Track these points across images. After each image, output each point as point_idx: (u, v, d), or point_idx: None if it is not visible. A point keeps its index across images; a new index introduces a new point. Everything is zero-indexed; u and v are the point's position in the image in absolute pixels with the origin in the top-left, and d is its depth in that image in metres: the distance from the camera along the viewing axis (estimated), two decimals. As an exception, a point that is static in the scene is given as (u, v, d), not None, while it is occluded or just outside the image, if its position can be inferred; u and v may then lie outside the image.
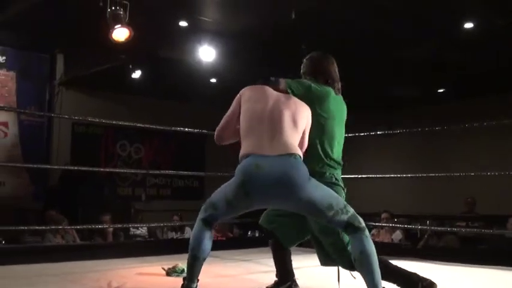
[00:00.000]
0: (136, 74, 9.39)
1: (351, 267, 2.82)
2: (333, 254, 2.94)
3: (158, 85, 10.20)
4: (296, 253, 5.06)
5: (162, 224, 8.40)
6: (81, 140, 10.54)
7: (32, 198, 8.90)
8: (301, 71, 3.27)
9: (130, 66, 9.09)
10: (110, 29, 6.12)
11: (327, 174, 2.99)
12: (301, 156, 2.69)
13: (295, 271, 3.26)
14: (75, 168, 7.00)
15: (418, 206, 10.50)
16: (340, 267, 3.02)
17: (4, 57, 8.81)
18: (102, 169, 9.76)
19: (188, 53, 7.75)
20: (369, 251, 2.58)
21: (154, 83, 10.02)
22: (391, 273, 2.89)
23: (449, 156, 10.45)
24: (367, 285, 2.59)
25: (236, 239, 7.72)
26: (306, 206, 2.62)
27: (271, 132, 2.69)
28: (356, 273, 2.77)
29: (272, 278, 3.29)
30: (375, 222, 7.35)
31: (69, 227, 6.74)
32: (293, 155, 2.62)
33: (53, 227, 6.45)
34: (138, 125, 5.97)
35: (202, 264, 2.73)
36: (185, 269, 3.76)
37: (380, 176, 8.38)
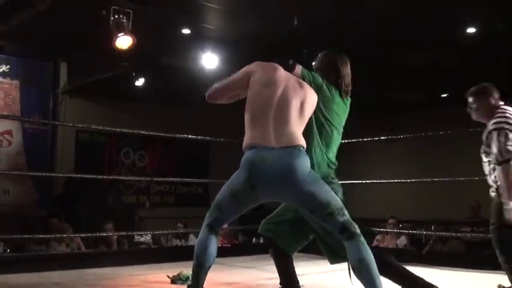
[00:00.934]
0: (140, 82, 9.43)
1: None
2: (341, 251, 2.92)
3: (161, 92, 10.23)
4: (301, 259, 5.07)
5: (166, 232, 8.40)
6: (85, 148, 10.58)
7: (36, 206, 8.90)
8: (314, 65, 3.24)
9: (134, 73, 9.12)
10: (113, 37, 6.15)
11: (325, 172, 2.98)
12: (305, 146, 2.66)
13: (300, 278, 3.25)
14: (79, 176, 7.02)
15: (423, 210, 10.47)
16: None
17: (8, 66, 8.84)
18: (105, 177, 9.77)
19: (191, 60, 7.77)
20: (368, 260, 2.53)
21: (157, 91, 10.05)
22: (399, 276, 2.88)
23: (453, 161, 10.42)
24: None
25: (241, 245, 7.71)
26: (306, 200, 2.59)
27: (277, 123, 2.66)
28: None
29: (277, 285, 3.28)
30: (379, 228, 7.35)
31: (74, 235, 6.76)
32: (297, 146, 2.60)
33: (58, 235, 6.46)
34: (142, 132, 5.99)
35: (207, 272, 2.71)
36: (190, 277, 3.78)
37: (384, 181, 8.37)
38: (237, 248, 6.72)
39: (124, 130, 5.74)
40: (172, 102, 10.86)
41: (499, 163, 3.23)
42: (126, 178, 11.26)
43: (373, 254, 2.59)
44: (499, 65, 8.07)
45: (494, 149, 3.28)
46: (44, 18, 6.53)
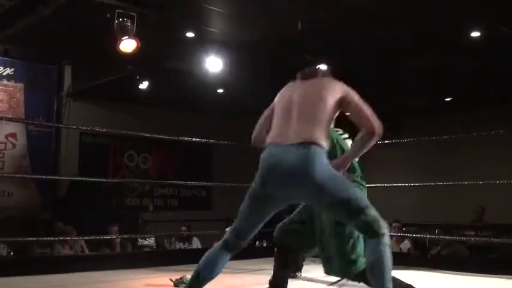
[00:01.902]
0: (144, 85, 9.46)
1: (343, 274, 2.81)
2: (335, 265, 2.93)
3: (165, 95, 10.25)
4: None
5: (169, 234, 8.41)
6: (89, 150, 10.59)
7: (39, 209, 8.93)
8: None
9: (138, 77, 9.15)
10: (117, 40, 6.18)
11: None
12: (321, 143, 2.53)
13: (308, 282, 3.23)
14: (83, 179, 7.03)
15: (427, 214, 10.45)
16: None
17: (12, 69, 8.87)
18: (109, 180, 9.79)
19: (195, 63, 7.79)
20: (383, 261, 2.44)
21: (161, 94, 10.07)
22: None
23: (457, 165, 10.40)
24: None
25: (245, 249, 7.69)
26: (322, 197, 2.49)
27: (288, 121, 2.61)
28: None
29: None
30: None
31: (77, 238, 6.77)
32: (312, 143, 2.50)
33: (62, 238, 6.47)
34: (146, 135, 5.99)
35: (203, 285, 2.65)
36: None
37: (387, 185, 8.34)
38: (241, 252, 6.70)
39: (128, 132, 5.73)
40: (175, 105, 10.89)
41: None
42: (129, 180, 11.27)
43: None
44: (503, 69, 8.06)
45: None
46: (48, 21, 6.56)
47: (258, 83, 8.14)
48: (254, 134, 2.90)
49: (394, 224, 7.29)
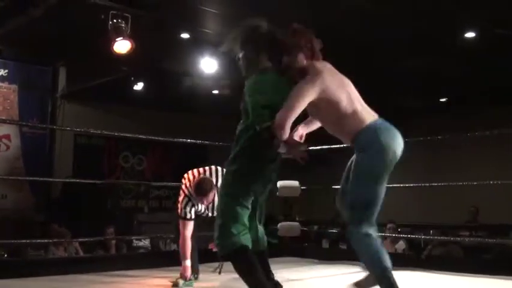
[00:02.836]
0: (138, 86, 9.44)
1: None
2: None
3: (160, 96, 10.23)
4: (298, 264, 5.07)
5: (164, 236, 8.37)
6: (84, 152, 10.57)
7: (34, 211, 8.89)
8: None
9: (132, 78, 9.13)
10: (111, 41, 6.17)
11: None
12: None
13: (297, 283, 3.23)
14: (77, 181, 7.01)
15: (421, 215, 10.48)
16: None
17: (6, 71, 8.84)
18: (103, 181, 9.76)
19: (190, 64, 7.78)
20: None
21: (156, 95, 10.05)
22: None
23: (451, 166, 10.43)
24: None
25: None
26: None
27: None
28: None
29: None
30: (378, 233, 7.33)
31: (71, 240, 6.75)
32: None
33: (56, 240, 6.45)
34: (140, 136, 5.99)
35: None
36: (192, 279, 3.81)
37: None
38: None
39: (122, 134, 5.72)
40: (171, 106, 10.87)
41: None
42: (124, 182, 11.24)
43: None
44: (498, 69, 8.10)
45: None
46: (42, 22, 6.54)
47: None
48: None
49: (389, 225, 7.31)
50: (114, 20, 6.05)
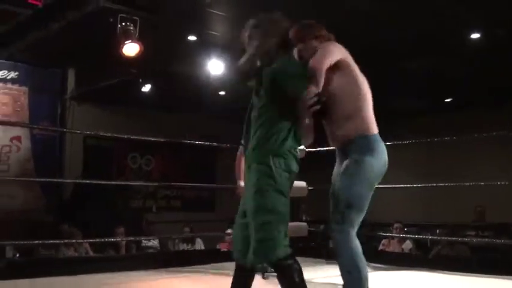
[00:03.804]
0: (146, 88, 9.48)
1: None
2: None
3: (168, 98, 10.26)
4: (307, 264, 5.07)
5: (173, 237, 8.41)
6: (93, 153, 10.61)
7: (44, 211, 8.94)
8: None
9: (140, 80, 9.16)
10: (120, 44, 6.20)
11: None
12: None
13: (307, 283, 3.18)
14: (87, 181, 7.05)
15: (428, 215, 10.46)
16: None
17: (17, 73, 8.89)
18: (112, 182, 9.79)
19: (197, 66, 7.80)
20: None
21: (163, 96, 10.08)
22: None
23: (458, 165, 10.41)
24: None
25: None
26: None
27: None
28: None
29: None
30: (385, 232, 7.34)
31: (82, 241, 6.78)
32: None
33: (67, 240, 6.48)
34: (150, 139, 6.00)
35: None
36: None
37: (389, 186, 8.34)
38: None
39: (131, 137, 5.75)
40: (178, 108, 10.89)
41: None
42: (133, 183, 11.26)
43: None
44: (502, 70, 8.07)
45: None
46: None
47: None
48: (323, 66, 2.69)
49: (395, 225, 7.30)
50: (123, 23, 6.08)
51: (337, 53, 2.77)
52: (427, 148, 10.52)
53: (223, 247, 7.23)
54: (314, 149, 5.12)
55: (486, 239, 7.13)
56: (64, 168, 9.60)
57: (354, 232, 2.65)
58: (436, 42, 7.16)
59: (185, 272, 4.21)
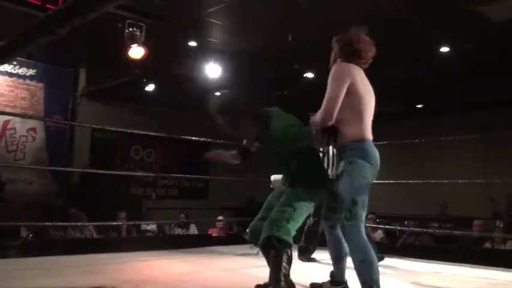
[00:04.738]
0: (150, 87, 9.45)
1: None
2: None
3: (168, 97, 10.23)
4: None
5: (170, 222, 8.40)
6: (100, 145, 10.58)
7: (55, 196, 8.90)
8: None
9: (144, 80, 9.12)
10: (127, 47, 6.16)
11: None
12: None
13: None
14: (93, 171, 7.00)
15: (398, 207, 10.49)
16: None
17: (35, 70, 8.84)
18: (117, 172, 9.74)
19: (196, 69, 7.79)
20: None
21: (165, 95, 10.05)
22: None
23: (429, 165, 10.42)
24: None
25: (235, 235, 7.70)
26: None
27: (371, 117, 2.82)
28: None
29: (267, 270, 3.15)
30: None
31: (87, 223, 6.75)
32: None
33: (74, 223, 6.45)
34: (151, 133, 5.97)
35: None
36: None
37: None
38: (232, 238, 6.71)
39: (136, 132, 5.74)
40: (177, 106, 10.85)
41: None
42: (135, 174, 11.20)
43: None
44: (467, 79, 8.12)
45: None
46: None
47: (252, 87, 8.15)
48: (334, 114, 2.64)
49: (369, 216, 7.30)
50: (130, 29, 6.05)
51: (344, 85, 2.69)
52: (400, 149, 10.57)
53: (213, 232, 7.22)
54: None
55: (448, 230, 7.17)
56: (73, 157, 9.56)
57: (362, 226, 2.67)
58: (410, 55, 7.19)
59: (180, 254, 4.20)
